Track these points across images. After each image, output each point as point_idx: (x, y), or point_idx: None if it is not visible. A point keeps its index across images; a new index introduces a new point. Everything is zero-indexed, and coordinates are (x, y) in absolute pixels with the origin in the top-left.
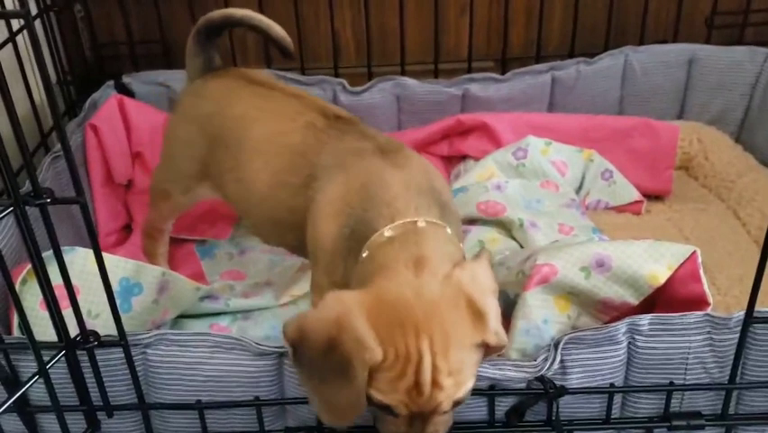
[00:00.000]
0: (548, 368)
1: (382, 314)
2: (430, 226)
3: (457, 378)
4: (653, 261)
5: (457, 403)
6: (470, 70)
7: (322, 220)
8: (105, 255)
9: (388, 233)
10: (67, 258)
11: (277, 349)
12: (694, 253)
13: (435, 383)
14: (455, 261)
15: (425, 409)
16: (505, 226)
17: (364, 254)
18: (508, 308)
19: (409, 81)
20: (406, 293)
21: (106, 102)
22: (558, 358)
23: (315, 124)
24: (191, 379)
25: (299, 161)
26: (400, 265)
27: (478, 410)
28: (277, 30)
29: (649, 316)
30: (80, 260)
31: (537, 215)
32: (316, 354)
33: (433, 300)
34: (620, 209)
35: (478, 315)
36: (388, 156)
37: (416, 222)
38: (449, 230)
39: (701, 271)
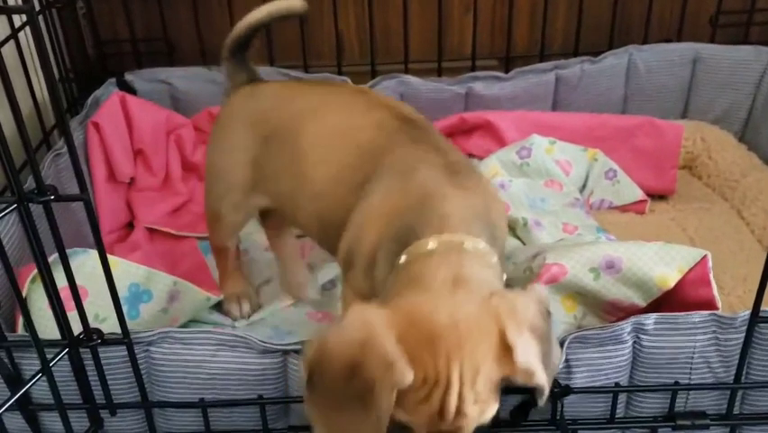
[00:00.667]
0: None
1: (412, 333)
2: (476, 249)
3: (482, 406)
4: (664, 264)
5: (479, 429)
6: (473, 69)
7: (369, 223)
8: (117, 259)
9: (431, 244)
10: (78, 259)
11: (281, 347)
12: (705, 257)
13: (459, 411)
14: (495, 289)
15: (447, 431)
16: (509, 226)
17: (401, 260)
18: None
19: (413, 79)
20: (439, 312)
21: (108, 99)
22: (563, 357)
23: (387, 123)
24: (195, 377)
25: (366, 158)
26: (437, 282)
27: None
28: (296, 4)
29: (654, 315)
30: (91, 262)
31: (541, 214)
32: (337, 379)
33: (467, 325)
34: (624, 209)
35: (506, 349)
36: (455, 176)
37: (462, 241)
38: (495, 259)
39: (711, 276)
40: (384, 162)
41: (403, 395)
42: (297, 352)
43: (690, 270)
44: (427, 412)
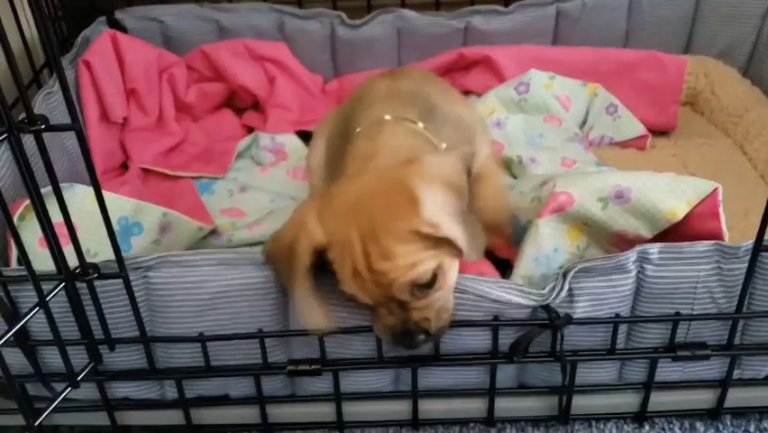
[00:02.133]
0: (555, 297)
1: (328, 211)
2: (394, 121)
3: (394, 262)
4: (674, 195)
5: (421, 288)
6: (472, 2)
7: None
8: (105, 193)
9: (357, 129)
10: (66, 195)
11: None
12: (716, 189)
13: (371, 268)
14: (415, 153)
15: (384, 295)
16: (504, 164)
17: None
18: (518, 233)
19: (410, 14)
20: (347, 189)
21: (99, 38)
22: (566, 287)
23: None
24: (195, 299)
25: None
26: (355, 161)
27: (481, 341)
28: None
29: (659, 244)
30: (79, 198)
31: (539, 150)
32: (283, 260)
33: (366, 192)
34: (625, 144)
35: (412, 202)
36: (391, 74)
37: (383, 116)
38: (420, 125)
39: (720, 209)
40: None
41: (335, 268)
42: None
43: (700, 202)
44: (348, 275)
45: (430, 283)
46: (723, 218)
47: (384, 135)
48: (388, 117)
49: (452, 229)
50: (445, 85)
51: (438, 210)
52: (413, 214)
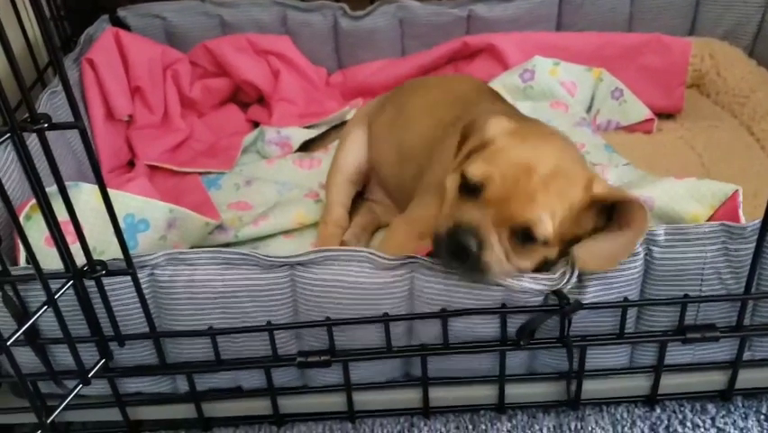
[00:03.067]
0: (566, 282)
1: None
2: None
3: (544, 199)
4: (696, 201)
5: (525, 237)
6: None
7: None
8: (111, 191)
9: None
10: (71, 193)
11: (287, 261)
12: (736, 192)
13: (526, 188)
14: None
15: (501, 208)
16: None
17: None
18: None
19: (412, 4)
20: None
21: (102, 35)
22: (576, 272)
23: (478, 87)
24: (203, 298)
25: (459, 104)
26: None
27: (491, 329)
28: None
29: (665, 226)
30: (85, 196)
31: None
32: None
33: (560, 149)
34: (631, 129)
35: (588, 179)
36: (517, 119)
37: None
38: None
39: (740, 211)
40: (470, 110)
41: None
42: (302, 265)
43: (722, 205)
44: (504, 173)
45: (532, 240)
46: (743, 220)
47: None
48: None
49: (616, 194)
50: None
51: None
52: (588, 180)
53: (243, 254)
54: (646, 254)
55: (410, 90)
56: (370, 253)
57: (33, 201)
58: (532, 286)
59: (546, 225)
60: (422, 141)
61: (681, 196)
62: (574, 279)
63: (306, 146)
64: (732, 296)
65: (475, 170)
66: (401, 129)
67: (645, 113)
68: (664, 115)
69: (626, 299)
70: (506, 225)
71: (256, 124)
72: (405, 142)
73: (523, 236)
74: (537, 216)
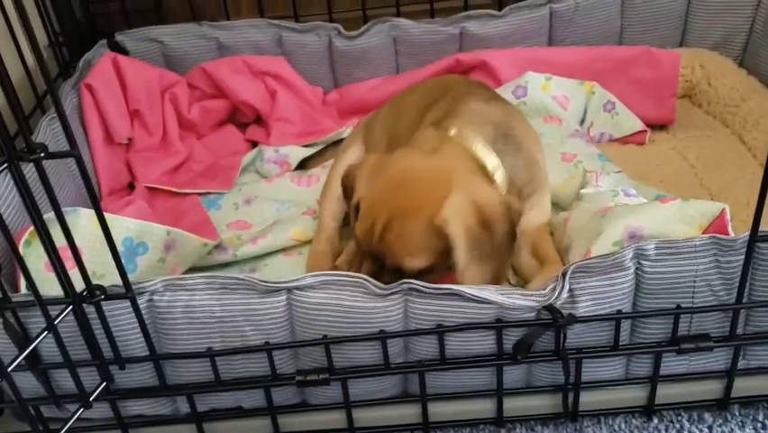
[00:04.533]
0: (557, 297)
1: (376, 174)
2: (460, 136)
3: (402, 243)
4: (684, 223)
5: (402, 275)
6: (466, 8)
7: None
8: (107, 215)
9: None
10: (70, 219)
11: (284, 285)
12: (723, 210)
13: (381, 238)
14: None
15: (377, 255)
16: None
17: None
18: None
19: (405, 22)
20: (399, 160)
21: (100, 60)
22: (567, 287)
23: (457, 77)
24: (201, 323)
25: (436, 90)
26: (416, 146)
27: (487, 345)
28: None
29: (655, 240)
30: (83, 221)
31: None
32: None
33: (414, 179)
34: (624, 141)
35: (442, 197)
36: (490, 99)
37: (450, 129)
38: (479, 145)
39: (730, 228)
40: (448, 94)
41: (359, 216)
42: (299, 289)
43: (710, 224)
44: (364, 227)
45: (413, 273)
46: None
47: (454, 151)
48: (452, 134)
49: (458, 240)
50: (533, 131)
51: (456, 216)
52: (436, 207)
53: (240, 279)
54: (637, 268)
55: (407, 90)
56: (365, 280)
57: (32, 228)
58: (523, 302)
59: (412, 264)
60: (407, 128)
61: (669, 220)
62: (565, 293)
63: (304, 164)
64: (723, 306)
65: (356, 230)
66: (393, 121)
67: (638, 125)
68: (657, 126)
69: (619, 312)
70: (388, 267)
71: (254, 144)
72: (394, 132)
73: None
74: (400, 259)
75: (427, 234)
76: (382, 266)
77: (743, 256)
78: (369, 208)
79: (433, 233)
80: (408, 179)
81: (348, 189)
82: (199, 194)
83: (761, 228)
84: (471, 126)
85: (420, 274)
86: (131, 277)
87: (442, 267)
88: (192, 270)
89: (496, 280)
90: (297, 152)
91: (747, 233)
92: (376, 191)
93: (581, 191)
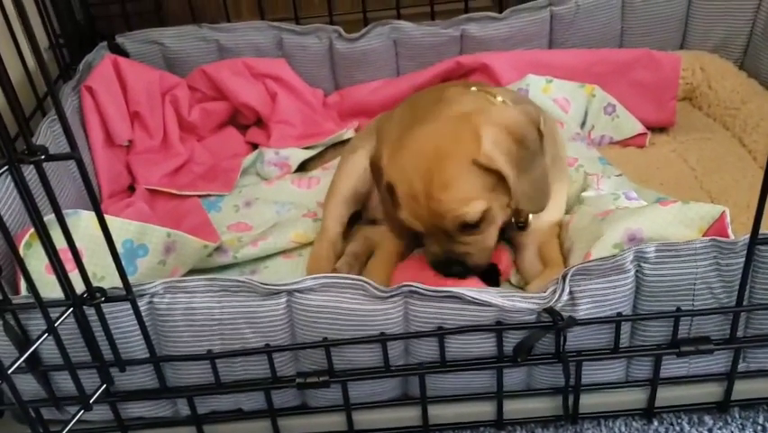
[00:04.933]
0: (557, 299)
1: (398, 150)
2: (481, 90)
3: (450, 194)
4: (684, 226)
5: (468, 226)
6: (467, 10)
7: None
8: (107, 217)
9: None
10: (70, 221)
11: (285, 288)
12: (723, 213)
13: (429, 195)
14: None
15: (435, 224)
16: None
17: None
18: None
19: (406, 25)
20: (416, 131)
21: (101, 63)
22: (567, 289)
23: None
24: (201, 325)
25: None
26: (436, 112)
27: (487, 348)
28: None
29: (655, 243)
30: (84, 223)
31: None
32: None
33: (434, 131)
34: (625, 143)
35: (474, 137)
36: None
37: (471, 87)
38: (500, 98)
39: (729, 231)
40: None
41: (398, 195)
42: (299, 292)
43: (710, 227)
44: (407, 199)
45: (477, 223)
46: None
47: (461, 98)
48: (474, 89)
49: (505, 167)
50: (558, 128)
51: (495, 148)
52: (474, 147)
53: (241, 282)
54: (637, 271)
55: (423, 91)
56: (366, 282)
57: (33, 230)
58: (523, 305)
59: (472, 210)
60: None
61: (669, 222)
62: (565, 296)
63: (304, 165)
64: (722, 309)
65: (403, 214)
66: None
67: (638, 127)
68: (657, 128)
69: (619, 315)
70: (451, 231)
71: (255, 146)
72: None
73: (468, 226)
74: (459, 210)
75: (475, 174)
76: (448, 239)
77: (743, 259)
78: (406, 184)
79: (479, 172)
80: (433, 138)
81: (376, 172)
82: (199, 196)
83: (761, 231)
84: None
85: (485, 225)
86: (131, 279)
87: (500, 208)
88: (192, 272)
89: (539, 190)
90: (298, 154)
91: (748, 235)
92: (406, 165)
93: (583, 194)
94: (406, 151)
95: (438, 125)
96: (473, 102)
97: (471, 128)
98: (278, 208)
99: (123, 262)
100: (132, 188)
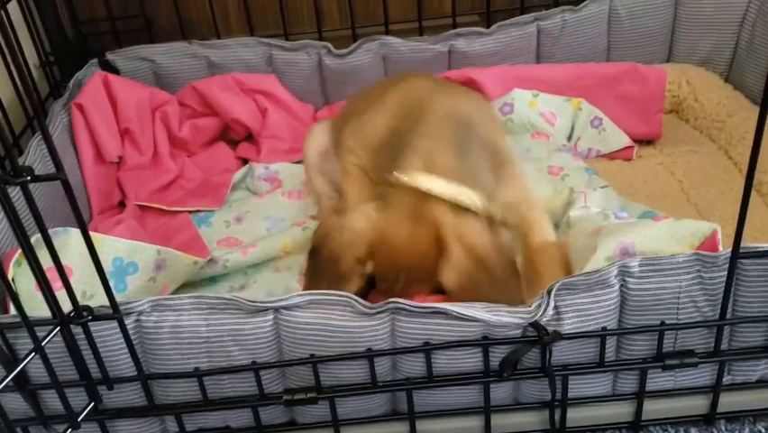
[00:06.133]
0: (542, 314)
1: (380, 248)
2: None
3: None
4: (675, 242)
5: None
6: (454, 26)
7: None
8: (99, 235)
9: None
10: (60, 239)
11: (271, 305)
12: (714, 231)
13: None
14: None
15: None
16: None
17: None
18: None
19: (394, 40)
20: (400, 232)
21: (91, 80)
22: (552, 304)
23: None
24: (188, 343)
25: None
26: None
27: (473, 363)
28: None
29: (639, 258)
30: (74, 240)
31: (524, 161)
32: (326, 261)
33: (408, 238)
34: (612, 156)
35: (438, 257)
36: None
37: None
38: (445, 186)
39: (720, 248)
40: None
41: (381, 282)
42: (286, 309)
43: (701, 244)
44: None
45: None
46: None
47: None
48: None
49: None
50: (487, 107)
51: (457, 275)
52: (436, 271)
53: (227, 299)
54: (622, 285)
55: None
56: (352, 299)
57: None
58: (509, 319)
59: (449, 279)
60: (383, 164)
61: (661, 238)
62: (551, 310)
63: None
64: (706, 322)
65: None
66: (368, 148)
67: (625, 141)
68: (644, 141)
69: (604, 329)
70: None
71: (245, 162)
72: (377, 161)
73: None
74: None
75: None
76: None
77: (725, 272)
78: (387, 272)
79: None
80: (407, 239)
81: (324, 252)
82: (190, 212)
83: (743, 244)
84: (440, 150)
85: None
86: (121, 297)
87: None
88: (183, 285)
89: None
90: (288, 169)
91: (729, 249)
92: (385, 259)
93: (571, 214)
94: (386, 251)
95: (409, 233)
96: (443, 215)
97: (434, 254)
98: (270, 225)
99: (113, 281)
100: (122, 204)
